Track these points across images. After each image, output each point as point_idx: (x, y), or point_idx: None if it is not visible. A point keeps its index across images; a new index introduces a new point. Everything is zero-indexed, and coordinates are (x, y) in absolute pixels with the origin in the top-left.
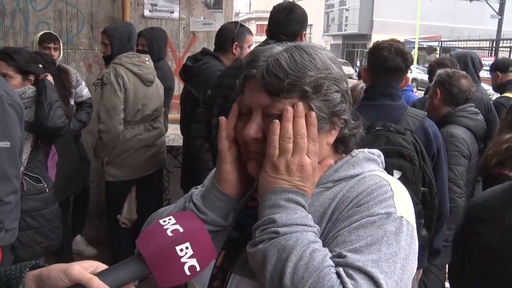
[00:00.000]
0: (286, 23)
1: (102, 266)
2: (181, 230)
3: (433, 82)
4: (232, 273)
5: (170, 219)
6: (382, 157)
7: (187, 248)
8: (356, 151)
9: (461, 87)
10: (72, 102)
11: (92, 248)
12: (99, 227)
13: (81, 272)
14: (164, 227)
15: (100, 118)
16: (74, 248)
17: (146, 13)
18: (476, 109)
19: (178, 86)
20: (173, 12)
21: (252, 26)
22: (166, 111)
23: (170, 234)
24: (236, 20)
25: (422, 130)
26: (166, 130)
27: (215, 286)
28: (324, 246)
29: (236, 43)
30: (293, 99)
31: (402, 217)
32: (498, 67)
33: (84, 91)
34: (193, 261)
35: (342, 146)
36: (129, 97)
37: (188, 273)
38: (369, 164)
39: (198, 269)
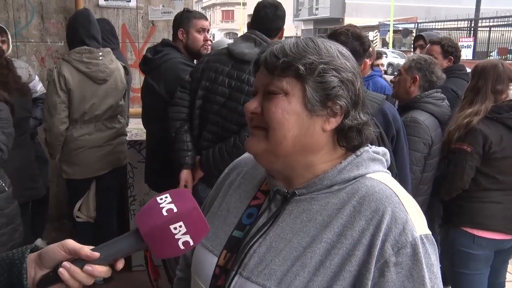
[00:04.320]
0: (273, 19)
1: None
2: (175, 210)
3: (406, 67)
4: (236, 275)
5: (166, 197)
6: (388, 155)
7: (180, 226)
8: (361, 150)
9: (438, 73)
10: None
11: None
12: (60, 229)
13: (74, 242)
14: (160, 206)
15: (44, 117)
16: None
17: (101, 2)
18: (442, 95)
19: (139, 79)
20: (130, 1)
21: (217, 12)
22: None
23: (165, 213)
24: (199, 6)
25: (381, 114)
26: (127, 125)
27: (218, 286)
28: (329, 257)
29: (181, 29)
30: (289, 77)
31: (421, 236)
32: None
33: (38, 87)
34: (187, 237)
35: (343, 140)
36: (73, 97)
37: (182, 247)
38: (374, 165)
39: (191, 243)
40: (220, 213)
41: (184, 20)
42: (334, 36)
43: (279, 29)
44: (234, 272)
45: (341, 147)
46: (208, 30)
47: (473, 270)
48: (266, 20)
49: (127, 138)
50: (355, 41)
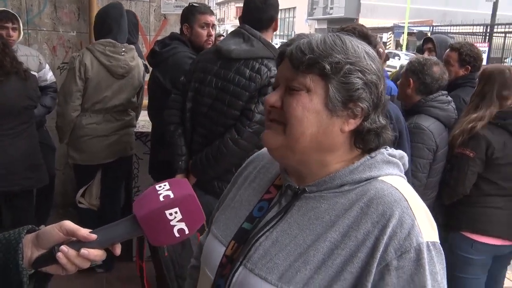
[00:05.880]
0: (264, 9)
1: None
2: (171, 196)
3: (404, 70)
4: (241, 266)
5: (165, 185)
6: (406, 158)
7: (176, 212)
8: (376, 152)
9: (434, 75)
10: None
11: None
12: (65, 217)
13: (72, 223)
14: (158, 192)
15: (58, 101)
16: None
17: None
18: (448, 98)
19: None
20: None
21: (232, 9)
22: None
23: (161, 199)
24: (213, 2)
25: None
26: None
27: (223, 275)
28: (331, 258)
29: (186, 24)
30: (313, 75)
31: (428, 242)
32: None
33: (48, 75)
34: (182, 225)
35: (360, 142)
36: (89, 86)
37: (177, 235)
38: (387, 167)
39: (186, 232)
40: (233, 205)
41: (189, 15)
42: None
43: (272, 19)
44: (239, 263)
45: (358, 149)
46: (213, 25)
47: (471, 274)
48: (256, 11)
49: (134, 130)
50: (362, 40)
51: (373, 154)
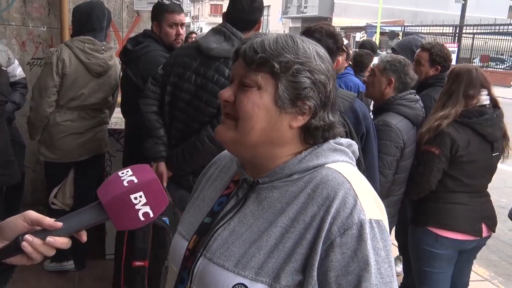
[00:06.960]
0: (250, 11)
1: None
2: (135, 181)
3: (382, 68)
4: (201, 256)
5: (127, 171)
6: (354, 146)
7: (140, 196)
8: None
9: (411, 74)
10: None
11: None
12: None
13: (36, 213)
14: (122, 178)
15: (32, 95)
16: None
17: None
18: (416, 96)
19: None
20: None
21: (206, 6)
22: None
23: (126, 184)
24: None
25: (351, 112)
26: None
27: (186, 267)
28: (283, 241)
29: (155, 22)
30: (264, 73)
31: (371, 220)
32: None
33: (17, 71)
34: (147, 208)
35: (310, 138)
36: (65, 82)
37: (142, 218)
38: (334, 155)
39: (151, 215)
40: (197, 203)
41: (157, 13)
42: (308, 33)
43: (256, 21)
44: (199, 254)
45: (307, 144)
46: (183, 24)
47: (437, 269)
48: (243, 12)
49: (107, 127)
50: (329, 38)
51: (320, 144)
